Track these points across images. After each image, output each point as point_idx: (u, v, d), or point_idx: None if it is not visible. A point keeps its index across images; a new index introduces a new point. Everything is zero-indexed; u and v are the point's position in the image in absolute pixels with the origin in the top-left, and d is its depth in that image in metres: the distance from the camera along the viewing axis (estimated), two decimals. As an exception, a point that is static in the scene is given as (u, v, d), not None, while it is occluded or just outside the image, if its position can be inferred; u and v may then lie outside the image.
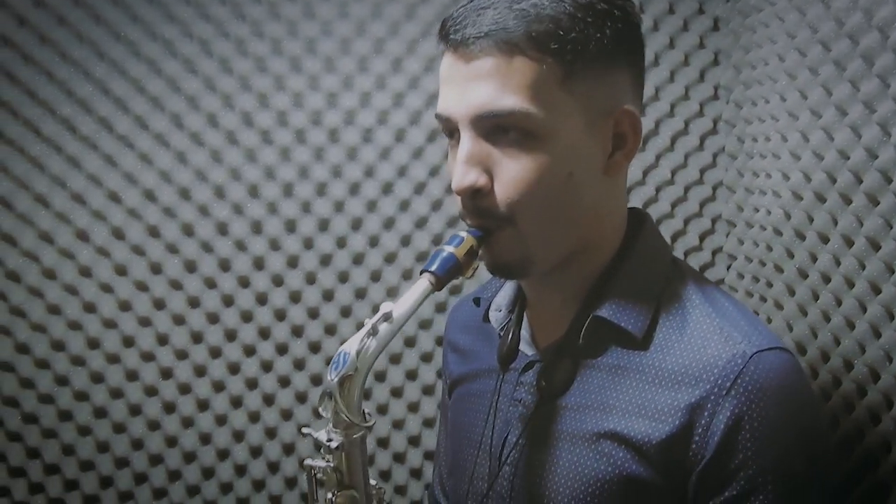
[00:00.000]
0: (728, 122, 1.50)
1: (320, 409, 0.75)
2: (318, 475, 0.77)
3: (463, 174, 0.80)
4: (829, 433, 0.88)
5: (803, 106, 1.19)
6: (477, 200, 0.81)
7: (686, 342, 0.82)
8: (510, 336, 0.96)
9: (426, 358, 1.57)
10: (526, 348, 0.95)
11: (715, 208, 1.54)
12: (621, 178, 0.89)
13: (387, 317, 0.74)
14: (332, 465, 0.75)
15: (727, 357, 0.78)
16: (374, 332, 0.73)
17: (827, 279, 1.13)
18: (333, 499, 0.76)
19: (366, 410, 0.75)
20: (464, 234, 0.81)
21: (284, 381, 1.55)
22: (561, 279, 0.89)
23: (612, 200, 0.88)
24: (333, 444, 0.73)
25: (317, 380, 1.56)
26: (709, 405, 0.77)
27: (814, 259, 1.17)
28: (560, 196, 0.81)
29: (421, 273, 0.78)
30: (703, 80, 1.52)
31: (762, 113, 1.35)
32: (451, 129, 0.84)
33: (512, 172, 0.79)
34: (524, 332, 0.96)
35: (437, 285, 0.77)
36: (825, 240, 1.13)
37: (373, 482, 0.79)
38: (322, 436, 0.75)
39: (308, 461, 0.78)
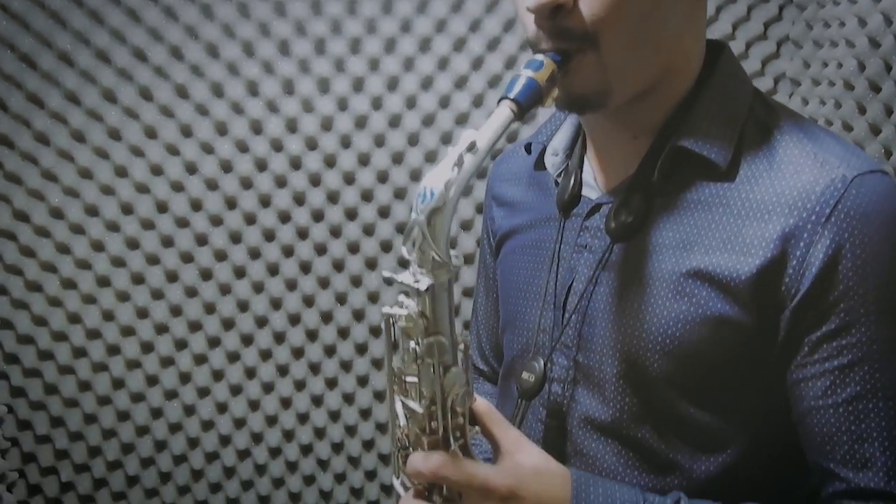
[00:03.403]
0: (798, -32, 1.42)
1: (404, 249, 0.70)
2: (401, 324, 0.72)
3: None
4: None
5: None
6: (558, 19, 0.73)
7: (776, 170, 0.76)
8: (572, 180, 0.90)
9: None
10: (589, 192, 0.89)
11: (778, 66, 1.46)
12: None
13: (471, 147, 0.67)
14: (417, 310, 0.70)
15: (825, 182, 0.73)
16: (459, 162, 0.67)
17: (903, 132, 1.07)
18: (417, 347, 0.72)
19: (452, 253, 0.70)
20: (543, 57, 0.73)
21: (353, 248, 1.55)
22: (636, 112, 0.82)
23: (696, 23, 0.81)
24: (422, 286, 0.68)
25: (386, 246, 1.56)
26: (805, 234, 0.73)
27: (888, 112, 1.10)
28: (649, 13, 0.74)
29: (500, 101, 0.71)
30: (770, -82, 1.43)
31: (839, -49, 1.27)
32: None
33: None
34: (586, 176, 0.90)
35: (519, 113, 0.71)
36: (904, 89, 1.07)
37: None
38: (408, 278, 0.69)
39: (386, 309, 0.72)
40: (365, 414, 1.59)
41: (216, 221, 1.49)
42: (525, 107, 0.71)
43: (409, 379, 0.75)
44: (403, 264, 0.71)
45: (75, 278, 1.45)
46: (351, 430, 1.59)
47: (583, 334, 0.86)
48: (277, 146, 1.49)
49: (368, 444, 1.60)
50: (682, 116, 0.81)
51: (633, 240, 0.83)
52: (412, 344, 0.73)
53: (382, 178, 1.52)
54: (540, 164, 0.96)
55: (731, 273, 0.75)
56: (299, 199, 1.51)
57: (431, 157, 1.51)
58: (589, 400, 0.85)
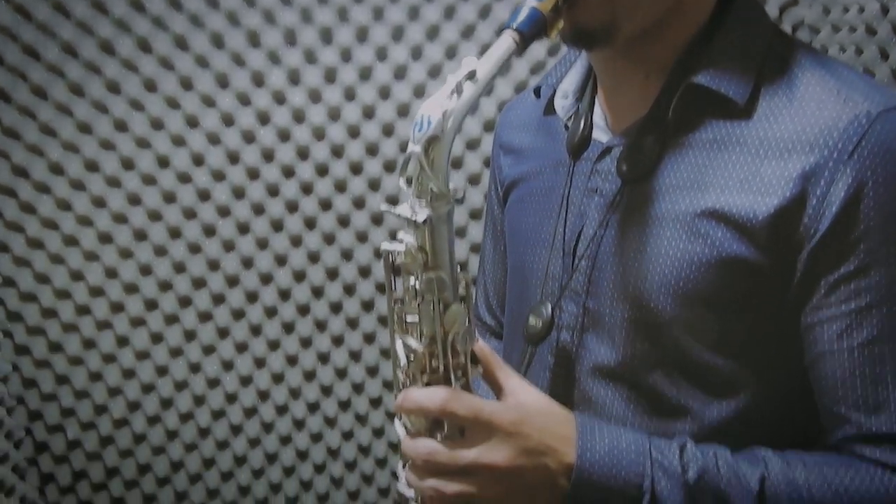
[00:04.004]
0: None
1: (401, 181, 0.67)
2: (398, 260, 0.70)
3: None
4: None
5: None
6: None
7: (797, 107, 0.73)
8: (581, 123, 0.87)
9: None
10: (600, 135, 0.87)
11: (797, 13, 1.40)
12: None
13: (471, 75, 0.64)
14: (416, 244, 0.68)
15: (848, 118, 0.70)
16: (458, 90, 0.64)
17: (928, 76, 1.03)
18: (416, 284, 0.69)
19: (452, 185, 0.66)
20: None
21: (359, 203, 1.52)
22: (647, 50, 0.79)
23: None
24: (420, 218, 0.65)
25: (393, 200, 1.45)
26: (826, 172, 0.70)
27: (912, 55, 1.07)
28: None
29: (500, 31, 0.68)
30: None
31: None
32: None
33: None
34: (597, 119, 0.88)
35: (521, 45, 0.68)
36: (929, 30, 1.03)
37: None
38: (405, 210, 0.67)
39: (385, 245, 0.70)
40: (372, 371, 1.58)
41: (218, 177, 1.47)
42: (528, 37, 0.68)
43: (409, 318, 0.73)
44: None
45: (76, 235, 1.44)
46: (358, 388, 1.58)
47: (592, 279, 0.84)
48: (280, 99, 1.46)
49: (376, 402, 1.59)
50: (697, 53, 0.78)
51: (645, 182, 0.80)
52: (412, 281, 0.70)
53: (388, 131, 1.49)
54: (549, 109, 0.94)
55: (748, 213, 0.73)
56: (303, 154, 1.48)
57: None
58: (598, 346, 0.83)
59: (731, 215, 0.74)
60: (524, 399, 0.70)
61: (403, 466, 0.76)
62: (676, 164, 0.78)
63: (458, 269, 0.70)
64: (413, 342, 0.71)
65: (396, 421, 0.76)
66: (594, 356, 0.84)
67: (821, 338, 0.73)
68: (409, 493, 0.76)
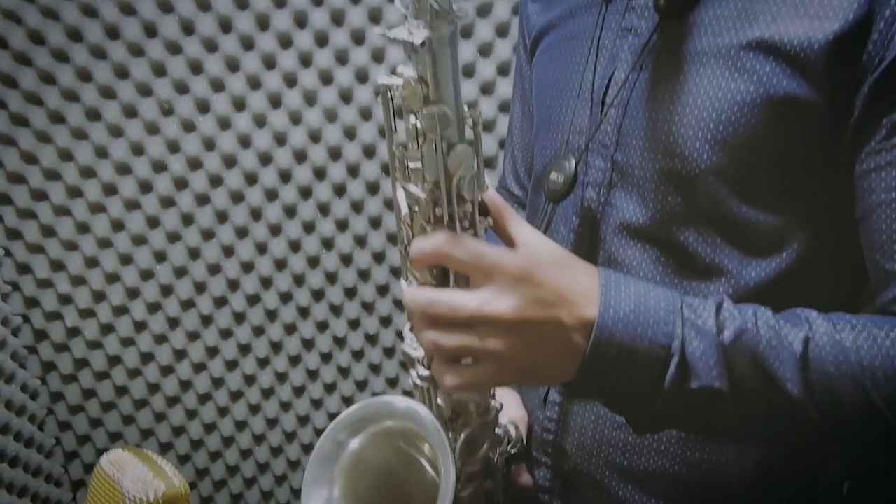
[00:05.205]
0: None
1: (397, 1, 0.58)
2: (397, 97, 0.61)
3: None
4: None
5: None
6: None
7: None
8: None
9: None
10: None
11: None
12: None
13: None
14: (415, 75, 0.58)
15: None
16: None
17: None
18: (417, 122, 0.60)
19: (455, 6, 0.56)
20: None
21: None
22: None
23: None
24: (417, 41, 0.55)
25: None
26: None
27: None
28: None
29: None
30: None
31: None
32: None
33: None
34: None
35: None
36: None
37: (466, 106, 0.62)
38: (401, 33, 0.56)
39: (382, 80, 0.62)
40: (378, 258, 1.52)
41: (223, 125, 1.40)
42: None
43: (412, 165, 0.65)
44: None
45: (80, 186, 1.41)
46: (364, 275, 1.52)
47: (623, 129, 0.76)
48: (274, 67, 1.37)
49: (383, 290, 1.54)
50: None
51: (686, 15, 0.70)
52: (413, 119, 0.61)
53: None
54: None
55: (802, 42, 0.63)
56: (298, 122, 1.40)
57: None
58: (626, 203, 0.76)
59: (782, 45, 0.64)
60: (537, 250, 0.61)
61: (411, 329, 0.71)
62: None
63: (466, 107, 0.61)
64: (415, 189, 0.63)
65: (402, 281, 0.69)
66: (621, 214, 0.77)
67: (877, 186, 0.64)
68: (415, 353, 0.70)
